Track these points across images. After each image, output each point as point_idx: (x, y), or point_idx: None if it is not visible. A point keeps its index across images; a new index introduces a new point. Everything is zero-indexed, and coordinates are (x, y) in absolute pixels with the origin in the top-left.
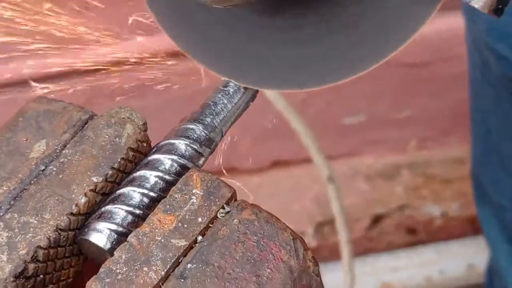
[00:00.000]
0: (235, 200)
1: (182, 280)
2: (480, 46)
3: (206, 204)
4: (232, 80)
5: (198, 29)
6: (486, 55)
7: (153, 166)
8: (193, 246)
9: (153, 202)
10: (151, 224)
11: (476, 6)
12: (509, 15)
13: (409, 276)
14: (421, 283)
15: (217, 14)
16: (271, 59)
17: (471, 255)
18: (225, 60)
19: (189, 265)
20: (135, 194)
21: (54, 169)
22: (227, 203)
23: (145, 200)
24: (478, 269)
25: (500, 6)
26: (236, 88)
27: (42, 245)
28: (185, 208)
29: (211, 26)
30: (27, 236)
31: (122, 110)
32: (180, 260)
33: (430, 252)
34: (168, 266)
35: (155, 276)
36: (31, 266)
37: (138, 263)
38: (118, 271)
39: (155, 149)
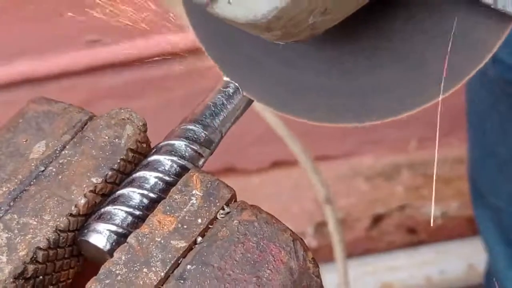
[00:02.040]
0: (235, 201)
1: (182, 281)
2: None
3: (205, 205)
4: (234, 82)
5: (251, 63)
6: None
7: (152, 167)
8: (193, 247)
9: (153, 203)
10: (150, 225)
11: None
12: None
13: (409, 276)
14: (421, 283)
15: (272, 47)
16: (329, 91)
17: (471, 255)
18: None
19: (188, 266)
20: (134, 195)
21: (54, 170)
22: (227, 204)
23: (145, 201)
24: (478, 269)
25: None
26: (236, 89)
27: (41, 246)
28: (185, 209)
29: (265, 60)
30: (27, 237)
31: (122, 111)
32: (179, 261)
33: (430, 252)
34: (168, 267)
35: (155, 277)
36: (31, 267)
37: (137, 264)
38: (117, 272)
39: (155, 150)
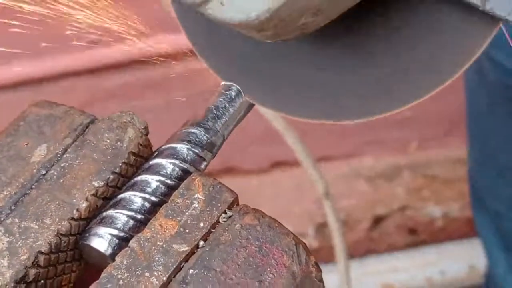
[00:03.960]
0: (237, 204)
1: (184, 286)
2: None
3: (208, 209)
4: (235, 85)
5: (241, 60)
6: (482, 61)
7: (154, 170)
8: (195, 251)
9: (155, 207)
10: (152, 229)
11: None
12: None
13: (410, 277)
14: (422, 284)
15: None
16: (321, 88)
17: (472, 256)
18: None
19: (191, 271)
20: (136, 198)
21: (55, 173)
22: (229, 208)
23: (147, 204)
24: (479, 270)
25: None
26: (237, 92)
27: (43, 250)
28: (187, 213)
29: (254, 58)
30: (28, 241)
31: (124, 114)
32: (181, 266)
33: (431, 253)
34: (170, 272)
35: (157, 282)
36: (32, 271)
37: (139, 268)
38: (119, 276)
39: (157, 153)
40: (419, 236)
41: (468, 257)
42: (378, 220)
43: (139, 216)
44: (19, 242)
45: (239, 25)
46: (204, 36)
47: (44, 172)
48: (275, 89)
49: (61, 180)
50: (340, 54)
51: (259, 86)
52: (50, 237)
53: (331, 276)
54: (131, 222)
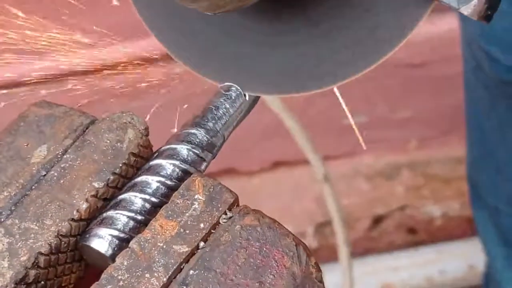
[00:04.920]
0: (238, 205)
1: (184, 287)
2: (474, 48)
3: (208, 210)
4: (235, 85)
5: (191, 35)
6: (480, 58)
7: (154, 171)
8: (195, 252)
9: (155, 208)
10: (152, 230)
11: (465, 13)
12: (502, 19)
13: (410, 276)
14: (421, 283)
15: (212, 21)
16: (265, 64)
17: (471, 256)
18: (220, 66)
19: (191, 272)
20: (136, 199)
21: (55, 174)
22: (229, 209)
23: (147, 205)
24: (478, 270)
25: (489, 13)
26: (238, 92)
27: (43, 251)
28: (187, 214)
29: (203, 32)
30: (28, 242)
31: (124, 114)
32: (182, 267)
33: (431, 252)
34: (170, 273)
35: (157, 283)
36: (32, 272)
37: (140, 269)
38: (120, 277)
39: (157, 154)
40: (418, 235)
41: (468, 256)
42: (377, 219)
43: (139, 217)
44: (19, 243)
45: None
46: (155, 11)
47: (44, 172)
48: (235, 67)
49: (61, 181)
50: (291, 29)
51: (212, 63)
52: (50, 238)
53: (331, 276)
54: (131, 223)
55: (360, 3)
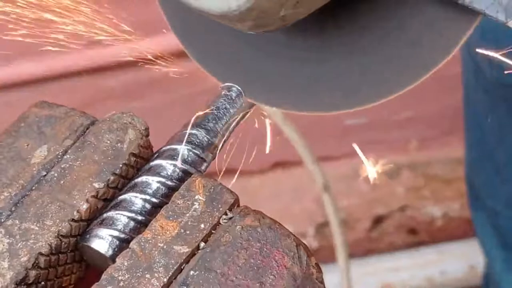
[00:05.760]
0: (238, 206)
1: (185, 287)
2: (473, 51)
3: (208, 210)
4: (236, 86)
5: (222, 50)
6: (479, 60)
7: (155, 171)
8: (196, 252)
9: (155, 208)
10: (153, 231)
11: None
12: None
13: (410, 277)
14: (422, 284)
15: (242, 35)
16: (297, 80)
17: (472, 256)
18: (246, 79)
19: (191, 272)
20: (137, 200)
21: (56, 175)
22: (230, 209)
23: (147, 206)
24: (479, 270)
25: None
26: (238, 92)
27: (43, 252)
28: (188, 214)
29: (236, 47)
30: (28, 243)
31: (124, 115)
32: (182, 267)
33: (431, 252)
34: (171, 273)
35: (158, 283)
36: (33, 273)
37: (140, 270)
38: (120, 278)
39: (157, 154)
40: (419, 235)
41: (468, 256)
42: (378, 220)
43: (139, 218)
44: (19, 244)
45: (220, 15)
46: (188, 25)
47: (44, 173)
48: (261, 82)
49: (62, 182)
50: (326, 45)
51: (241, 78)
52: (50, 238)
53: (331, 276)
54: (132, 224)
55: (400, 20)
